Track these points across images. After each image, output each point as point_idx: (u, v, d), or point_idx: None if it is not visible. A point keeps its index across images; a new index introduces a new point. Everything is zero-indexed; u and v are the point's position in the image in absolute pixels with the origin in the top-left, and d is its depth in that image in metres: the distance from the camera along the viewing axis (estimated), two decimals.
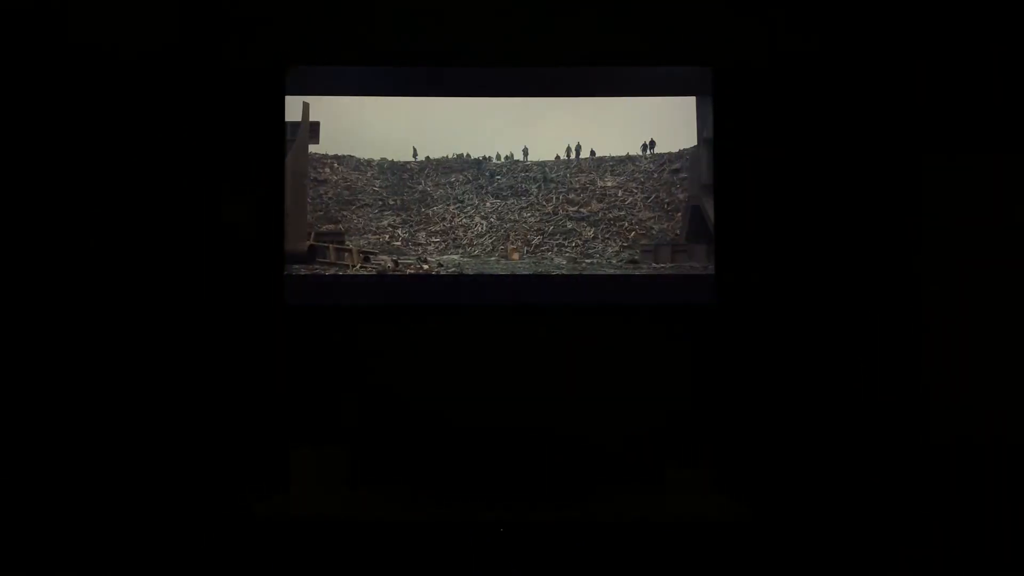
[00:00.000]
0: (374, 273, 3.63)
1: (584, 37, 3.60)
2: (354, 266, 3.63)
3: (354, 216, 3.67)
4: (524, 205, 3.71)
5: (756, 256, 3.62)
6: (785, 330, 3.59)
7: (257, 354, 3.55)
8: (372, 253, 3.65)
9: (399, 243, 3.68)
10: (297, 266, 3.58)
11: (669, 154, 3.68)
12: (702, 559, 2.99)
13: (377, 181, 3.70)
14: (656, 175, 3.69)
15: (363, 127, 3.65)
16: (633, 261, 3.67)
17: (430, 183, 3.71)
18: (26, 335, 3.51)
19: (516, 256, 3.68)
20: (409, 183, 3.71)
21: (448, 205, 3.72)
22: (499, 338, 3.60)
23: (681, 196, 3.67)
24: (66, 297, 3.54)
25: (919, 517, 3.49)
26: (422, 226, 3.70)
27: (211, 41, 3.58)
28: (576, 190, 3.72)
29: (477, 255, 3.68)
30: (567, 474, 3.10)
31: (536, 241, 3.69)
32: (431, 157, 3.71)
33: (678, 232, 3.67)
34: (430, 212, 3.71)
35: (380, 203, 3.69)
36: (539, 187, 3.71)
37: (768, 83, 3.65)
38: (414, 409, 3.52)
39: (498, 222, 3.70)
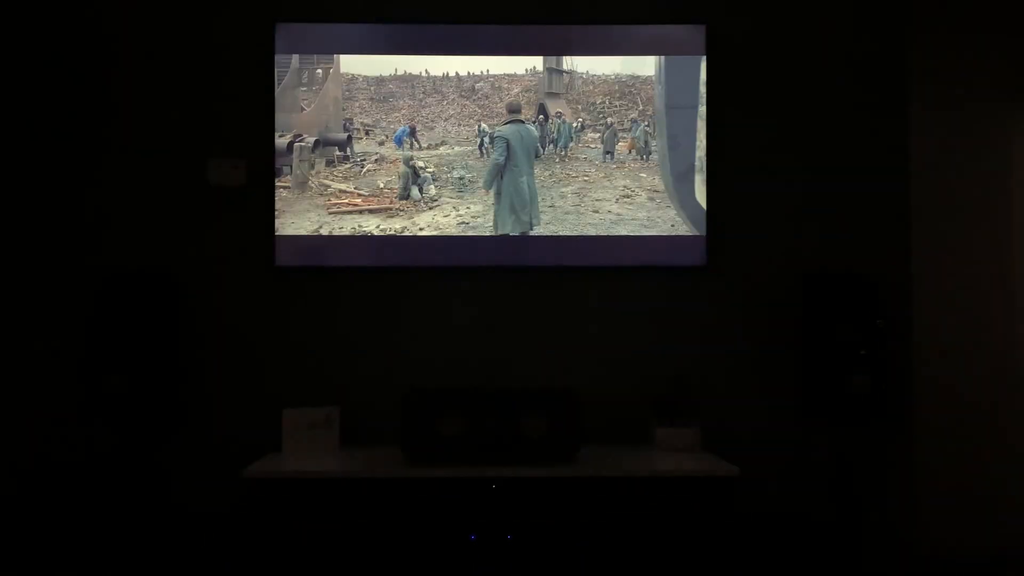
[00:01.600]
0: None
1: None
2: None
3: None
4: None
5: (747, 217, 3.62)
6: (775, 289, 3.60)
7: (248, 314, 3.56)
8: None
9: None
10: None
11: None
12: (689, 513, 3.02)
13: None
14: None
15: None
16: None
17: None
18: (11, 292, 3.53)
19: None
20: None
21: None
22: (489, 297, 3.61)
23: None
24: (52, 254, 3.55)
25: (905, 484, 3.52)
26: None
27: None
28: None
29: None
30: (556, 432, 3.11)
31: None
32: None
33: None
34: None
35: None
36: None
37: (762, 44, 3.64)
38: (405, 367, 3.54)
39: None
